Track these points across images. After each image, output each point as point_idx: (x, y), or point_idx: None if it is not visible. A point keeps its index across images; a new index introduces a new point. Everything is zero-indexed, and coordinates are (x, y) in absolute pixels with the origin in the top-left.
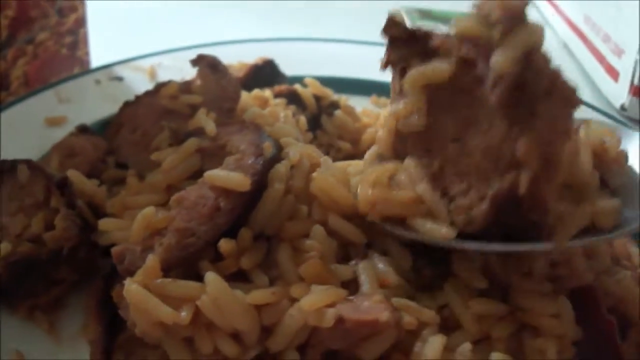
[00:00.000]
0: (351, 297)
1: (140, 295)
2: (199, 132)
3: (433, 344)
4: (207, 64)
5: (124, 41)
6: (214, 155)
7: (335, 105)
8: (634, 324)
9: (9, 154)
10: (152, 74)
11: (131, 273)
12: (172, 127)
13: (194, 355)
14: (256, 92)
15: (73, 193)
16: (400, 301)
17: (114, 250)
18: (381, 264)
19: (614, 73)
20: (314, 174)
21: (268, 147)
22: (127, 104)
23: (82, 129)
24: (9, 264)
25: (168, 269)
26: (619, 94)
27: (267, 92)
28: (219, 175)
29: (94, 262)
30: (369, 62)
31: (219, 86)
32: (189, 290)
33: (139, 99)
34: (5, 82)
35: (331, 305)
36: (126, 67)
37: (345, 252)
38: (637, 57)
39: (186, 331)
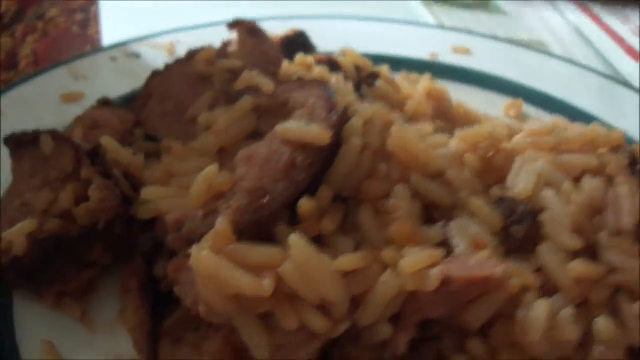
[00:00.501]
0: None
1: (213, 263)
2: (252, 90)
3: (539, 309)
4: (245, 29)
5: (136, 20)
6: (273, 113)
7: (375, 75)
8: None
9: None
10: (171, 50)
11: (190, 243)
12: (222, 87)
13: (271, 334)
14: (300, 56)
15: (107, 162)
16: (506, 266)
17: (169, 217)
18: (471, 224)
19: (633, 53)
20: (392, 129)
21: (341, 101)
22: (155, 74)
23: (104, 102)
24: (35, 243)
25: (238, 235)
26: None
27: (310, 58)
28: (293, 128)
29: (130, 240)
30: (394, 39)
31: (259, 50)
32: (270, 256)
33: (169, 67)
34: (13, 60)
35: (432, 266)
36: (143, 44)
37: (428, 215)
38: None
39: (266, 304)
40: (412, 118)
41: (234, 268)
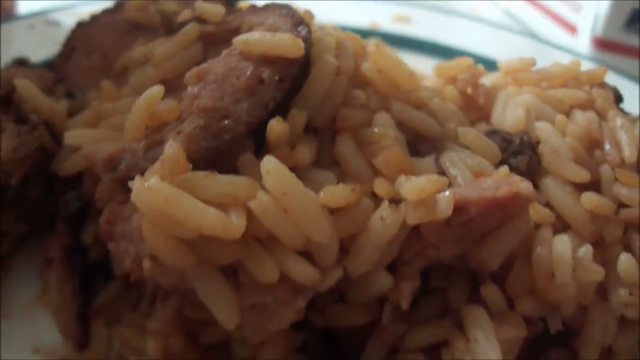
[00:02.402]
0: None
1: (164, 195)
2: (198, 20)
3: (562, 246)
4: None
5: None
6: (223, 41)
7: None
8: None
9: None
10: None
11: (128, 182)
12: (164, 12)
13: (241, 293)
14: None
15: (21, 109)
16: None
17: (103, 155)
18: (469, 157)
19: (571, 28)
20: (370, 50)
21: (308, 16)
22: (80, 25)
23: (21, 62)
24: None
25: (193, 165)
26: (578, 48)
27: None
28: (257, 39)
29: (51, 204)
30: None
31: None
32: (239, 187)
33: (95, 18)
34: None
35: (439, 192)
36: (65, 13)
37: (414, 148)
38: (597, 10)
39: (234, 252)
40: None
41: (193, 201)
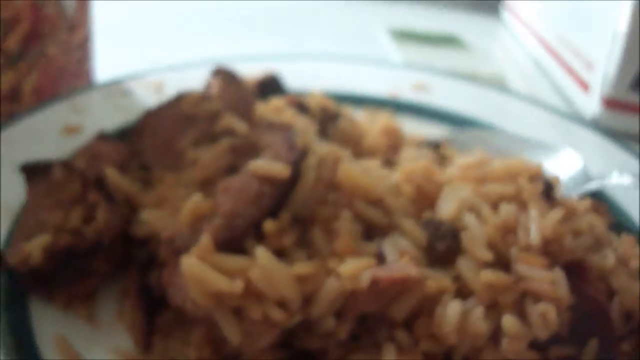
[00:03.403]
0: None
1: (199, 268)
2: (230, 132)
3: (453, 308)
4: (225, 77)
5: (125, 54)
6: (246, 152)
7: (337, 116)
8: (616, 293)
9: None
10: (158, 89)
11: (179, 254)
12: (204, 126)
13: (242, 323)
14: (273, 101)
15: (109, 189)
16: (421, 270)
17: (164, 234)
18: (402, 240)
19: (584, 86)
20: (342, 164)
21: (300, 142)
22: (148, 113)
23: (102, 136)
24: (51, 254)
25: (217, 248)
26: (589, 105)
27: (281, 102)
28: (262, 165)
29: (128, 254)
30: (359, 77)
31: (237, 95)
32: (242, 264)
33: (160, 108)
34: (16, 93)
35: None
36: (136, 83)
37: (370, 233)
38: (606, 70)
39: (237, 300)
40: (368, 152)
41: (213, 272)
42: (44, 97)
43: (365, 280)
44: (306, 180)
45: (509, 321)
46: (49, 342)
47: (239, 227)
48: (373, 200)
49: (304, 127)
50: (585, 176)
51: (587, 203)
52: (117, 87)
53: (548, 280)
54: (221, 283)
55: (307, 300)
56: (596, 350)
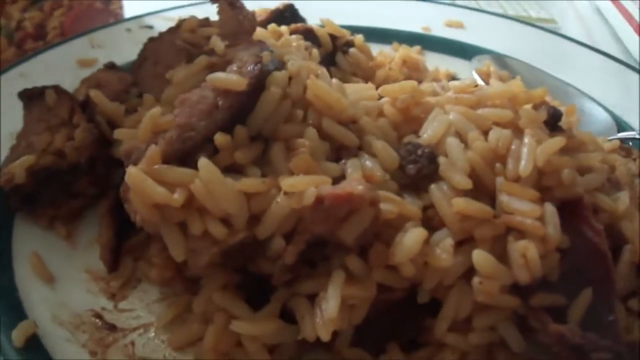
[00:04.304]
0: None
1: (139, 178)
2: (210, 52)
3: (413, 235)
4: (225, 1)
5: None
6: (220, 69)
7: (350, 44)
8: (628, 242)
9: None
10: None
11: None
12: (188, 50)
13: (185, 240)
14: (272, 26)
15: (94, 111)
16: (384, 193)
17: (122, 148)
18: (369, 162)
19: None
20: (308, 80)
21: (267, 56)
22: (150, 40)
23: (110, 66)
24: (32, 173)
25: (168, 161)
26: None
27: (284, 28)
28: (219, 77)
29: (110, 177)
30: (387, 13)
31: (235, 20)
32: (183, 176)
33: (161, 35)
34: (42, 32)
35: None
36: (156, 18)
37: (338, 156)
38: None
39: (180, 214)
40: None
41: (153, 183)
42: (70, 35)
43: (308, 196)
44: (268, 95)
45: (480, 257)
46: (24, 257)
47: (191, 139)
48: (343, 120)
49: (303, 51)
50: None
51: (613, 144)
52: (137, 22)
53: (534, 215)
54: (158, 194)
55: (257, 219)
56: (588, 302)
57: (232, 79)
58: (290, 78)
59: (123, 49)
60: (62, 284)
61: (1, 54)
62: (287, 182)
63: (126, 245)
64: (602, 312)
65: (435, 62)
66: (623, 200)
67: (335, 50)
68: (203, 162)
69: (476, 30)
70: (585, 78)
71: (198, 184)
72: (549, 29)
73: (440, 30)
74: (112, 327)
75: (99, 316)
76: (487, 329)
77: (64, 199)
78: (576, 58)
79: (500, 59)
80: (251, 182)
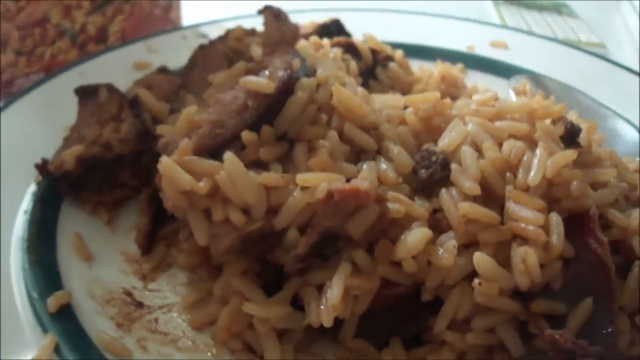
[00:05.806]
0: None
1: (170, 167)
2: (249, 59)
3: (417, 233)
4: (271, 13)
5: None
6: (256, 74)
7: (390, 59)
8: (639, 258)
9: None
10: None
11: None
12: (231, 56)
13: (208, 225)
14: (313, 38)
15: (141, 108)
16: (393, 194)
17: (161, 141)
18: (384, 165)
19: None
20: (333, 87)
21: (296, 63)
22: (201, 47)
23: (162, 70)
24: (80, 161)
25: (199, 154)
26: None
27: (325, 41)
28: (250, 79)
29: (153, 171)
30: (434, 31)
31: (279, 31)
32: (210, 167)
33: (211, 43)
34: (104, 35)
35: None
36: (212, 27)
37: (358, 158)
38: None
39: (205, 202)
40: None
41: (182, 172)
42: (129, 39)
43: (320, 192)
44: (295, 99)
45: (481, 259)
46: (67, 237)
47: (221, 135)
48: (365, 126)
49: (339, 63)
50: None
51: (636, 163)
52: (193, 31)
53: (537, 223)
54: (185, 181)
55: (274, 211)
56: (589, 311)
57: (261, 82)
58: (318, 85)
59: (177, 54)
60: (99, 263)
61: (65, 54)
62: (302, 178)
63: (160, 232)
64: (601, 323)
65: (476, 80)
66: (635, 216)
67: (375, 64)
68: (228, 155)
69: (520, 51)
70: (626, 101)
71: (222, 175)
72: (596, 53)
73: (484, 50)
74: (140, 304)
75: (128, 293)
76: (486, 331)
77: (108, 188)
78: (621, 82)
79: (537, 79)
80: (271, 177)
